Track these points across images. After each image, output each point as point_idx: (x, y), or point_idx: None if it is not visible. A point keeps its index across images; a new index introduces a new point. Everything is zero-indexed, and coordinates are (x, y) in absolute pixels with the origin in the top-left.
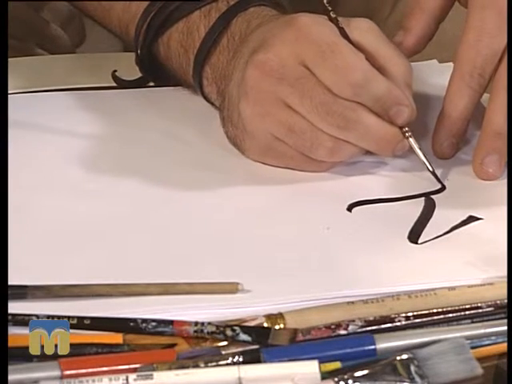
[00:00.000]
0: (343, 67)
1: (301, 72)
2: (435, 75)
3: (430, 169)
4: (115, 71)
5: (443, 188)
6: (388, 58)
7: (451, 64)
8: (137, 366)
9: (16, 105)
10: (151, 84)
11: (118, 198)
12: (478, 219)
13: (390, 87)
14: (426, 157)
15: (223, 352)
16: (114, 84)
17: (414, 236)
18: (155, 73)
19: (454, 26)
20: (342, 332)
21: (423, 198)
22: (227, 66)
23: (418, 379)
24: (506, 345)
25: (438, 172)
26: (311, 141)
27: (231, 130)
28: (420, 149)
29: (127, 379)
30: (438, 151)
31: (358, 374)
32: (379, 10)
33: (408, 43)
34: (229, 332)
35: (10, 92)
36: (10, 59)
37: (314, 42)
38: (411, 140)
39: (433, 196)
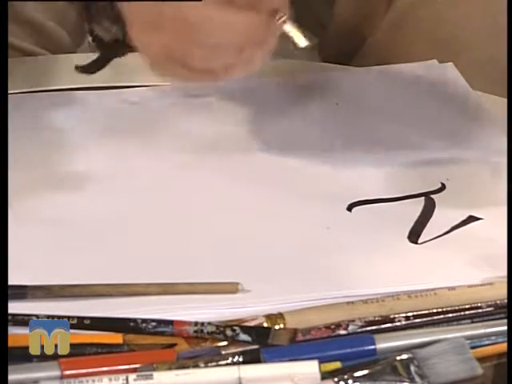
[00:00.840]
0: None
1: None
2: (435, 75)
3: (304, 44)
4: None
5: (443, 187)
6: None
7: (451, 64)
8: (137, 366)
9: (16, 105)
10: (149, 84)
11: (118, 198)
12: (478, 219)
13: None
14: (300, 33)
15: (223, 352)
16: (115, 84)
17: (413, 236)
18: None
19: (452, 25)
20: (342, 332)
21: (423, 198)
22: None
23: (417, 379)
24: (505, 345)
25: (438, 170)
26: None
27: None
28: (295, 28)
29: (127, 379)
30: None
31: (358, 373)
32: (375, 7)
33: None
34: (229, 332)
35: (9, 92)
36: (10, 59)
37: None
38: (287, 25)
39: (433, 195)
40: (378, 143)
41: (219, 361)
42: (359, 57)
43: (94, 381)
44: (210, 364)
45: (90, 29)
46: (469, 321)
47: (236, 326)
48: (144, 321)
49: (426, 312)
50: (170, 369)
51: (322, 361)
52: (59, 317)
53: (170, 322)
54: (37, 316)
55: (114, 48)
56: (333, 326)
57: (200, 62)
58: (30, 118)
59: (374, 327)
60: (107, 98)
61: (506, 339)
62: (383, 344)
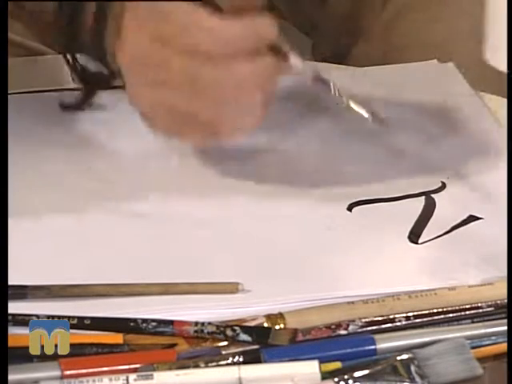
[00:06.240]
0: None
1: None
2: (435, 75)
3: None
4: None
5: (443, 186)
6: None
7: (451, 64)
8: (137, 366)
9: (16, 105)
10: None
11: (118, 198)
12: (478, 219)
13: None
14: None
15: (223, 352)
16: (114, 84)
17: (414, 236)
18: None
19: (443, 28)
20: (342, 332)
21: (423, 197)
22: None
23: (418, 379)
24: (505, 345)
25: (438, 169)
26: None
27: None
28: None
29: (127, 379)
30: None
31: (358, 374)
32: (370, 6)
33: None
34: (229, 332)
35: (9, 92)
36: (10, 59)
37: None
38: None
39: (433, 195)
40: (378, 142)
41: (219, 361)
42: (352, 58)
43: (94, 381)
44: (210, 364)
45: (72, 61)
46: (469, 321)
47: (236, 326)
48: (144, 321)
49: (426, 312)
50: (170, 369)
51: (322, 361)
52: (59, 317)
53: (171, 322)
54: (37, 316)
55: (98, 81)
56: (333, 326)
57: (205, 118)
58: (30, 117)
59: (374, 327)
60: (108, 99)
61: (506, 339)
62: (383, 344)
